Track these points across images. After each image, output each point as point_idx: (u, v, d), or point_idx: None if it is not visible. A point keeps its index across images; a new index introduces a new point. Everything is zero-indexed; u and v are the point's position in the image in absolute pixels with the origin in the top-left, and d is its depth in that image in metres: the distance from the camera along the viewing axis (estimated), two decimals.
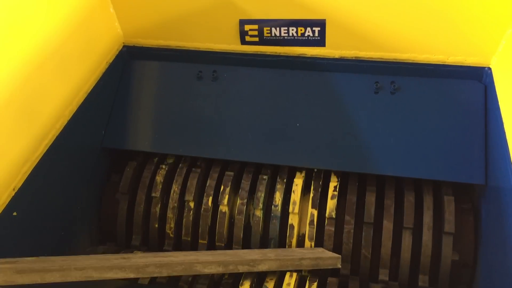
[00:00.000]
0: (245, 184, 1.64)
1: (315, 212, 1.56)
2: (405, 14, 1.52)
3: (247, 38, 1.70)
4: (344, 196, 1.58)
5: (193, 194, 1.64)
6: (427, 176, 1.52)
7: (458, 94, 1.58)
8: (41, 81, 1.41)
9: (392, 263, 1.51)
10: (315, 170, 1.63)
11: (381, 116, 1.60)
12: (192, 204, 1.65)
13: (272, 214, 1.59)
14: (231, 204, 1.65)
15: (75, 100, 1.58)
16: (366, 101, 1.62)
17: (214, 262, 1.29)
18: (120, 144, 1.74)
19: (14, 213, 1.31)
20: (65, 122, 1.52)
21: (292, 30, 1.65)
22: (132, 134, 1.74)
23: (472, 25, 1.49)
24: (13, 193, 1.31)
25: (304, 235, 1.58)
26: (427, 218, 1.50)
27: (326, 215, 1.54)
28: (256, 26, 1.67)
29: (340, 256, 1.42)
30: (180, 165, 1.72)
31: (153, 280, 1.42)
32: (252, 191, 1.64)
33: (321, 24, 1.61)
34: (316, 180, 1.61)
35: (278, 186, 1.62)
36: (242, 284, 1.37)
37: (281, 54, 1.72)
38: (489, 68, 1.56)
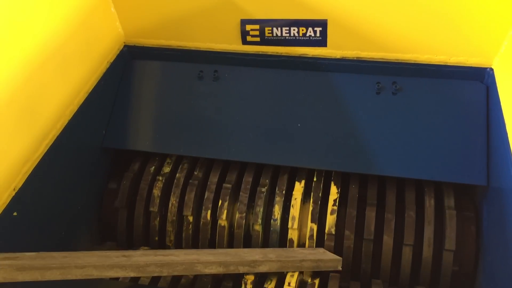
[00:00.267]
0: (244, 197, 1.61)
1: (315, 227, 1.54)
2: (407, 15, 1.52)
3: (249, 38, 1.70)
4: (344, 206, 1.56)
5: (191, 209, 1.63)
6: (429, 177, 1.52)
7: (460, 95, 1.57)
8: (42, 80, 1.40)
9: (391, 275, 1.50)
10: (315, 179, 1.60)
11: (383, 117, 1.59)
12: (191, 218, 1.64)
13: (272, 229, 1.58)
14: (230, 216, 1.63)
15: (76, 99, 1.57)
16: (368, 101, 1.62)
17: (215, 262, 1.29)
18: (121, 144, 1.74)
19: (15, 213, 1.31)
20: (66, 122, 1.52)
21: (294, 30, 1.64)
22: (133, 134, 1.73)
23: (474, 26, 1.49)
24: (13, 193, 1.31)
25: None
26: (428, 233, 1.48)
27: (326, 231, 1.52)
28: (257, 26, 1.66)
29: (341, 258, 1.42)
30: (177, 175, 1.69)
31: (153, 280, 1.42)
32: (252, 199, 1.62)
33: (323, 24, 1.61)
34: (316, 191, 1.58)
35: (277, 198, 1.59)
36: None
37: (282, 54, 1.72)
38: (491, 69, 1.55)
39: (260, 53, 1.73)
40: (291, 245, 1.55)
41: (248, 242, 1.60)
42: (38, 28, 1.37)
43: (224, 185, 1.63)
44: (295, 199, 1.56)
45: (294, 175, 1.65)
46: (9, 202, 1.29)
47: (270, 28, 1.66)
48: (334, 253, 1.50)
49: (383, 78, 1.63)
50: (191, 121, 1.70)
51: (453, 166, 1.49)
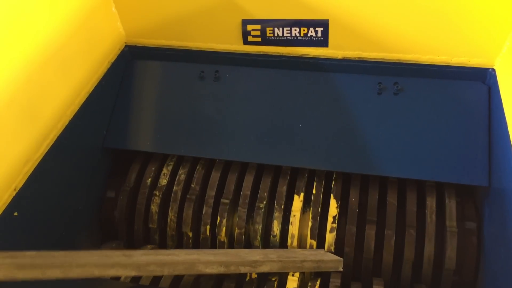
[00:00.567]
0: (242, 212, 1.59)
1: (314, 244, 1.53)
2: (409, 15, 1.52)
3: (250, 38, 1.69)
4: (344, 216, 1.54)
5: (190, 226, 1.62)
6: (430, 177, 1.51)
7: (461, 95, 1.57)
8: (43, 81, 1.40)
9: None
10: (314, 192, 1.58)
11: (384, 117, 1.59)
12: (190, 234, 1.64)
13: (271, 244, 1.57)
14: (229, 232, 1.62)
15: (77, 100, 1.57)
16: (369, 101, 1.61)
17: (216, 262, 1.29)
18: (121, 144, 1.74)
19: (15, 213, 1.31)
20: (67, 122, 1.52)
21: (295, 30, 1.64)
22: (134, 134, 1.73)
23: (476, 26, 1.48)
24: (14, 193, 1.31)
25: None
26: (428, 250, 1.47)
27: (325, 248, 1.51)
28: (258, 26, 1.66)
29: (342, 259, 1.41)
30: (174, 188, 1.67)
31: (154, 281, 1.41)
32: (251, 210, 1.61)
33: (324, 24, 1.60)
34: (315, 205, 1.56)
35: (276, 214, 1.57)
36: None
37: (283, 54, 1.71)
38: (493, 69, 1.55)
39: (261, 53, 1.73)
40: None
41: None
42: (39, 28, 1.37)
43: (222, 200, 1.61)
44: (294, 216, 1.55)
45: (293, 185, 1.62)
46: (10, 202, 1.29)
47: (272, 28, 1.66)
48: None
49: (385, 78, 1.63)
50: (192, 121, 1.70)
51: (454, 167, 1.49)
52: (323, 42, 1.64)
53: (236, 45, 1.73)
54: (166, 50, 1.80)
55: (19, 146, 1.33)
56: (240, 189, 1.63)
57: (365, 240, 1.50)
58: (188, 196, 1.64)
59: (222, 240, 1.60)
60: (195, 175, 1.68)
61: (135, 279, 1.40)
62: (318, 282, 1.40)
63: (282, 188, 1.61)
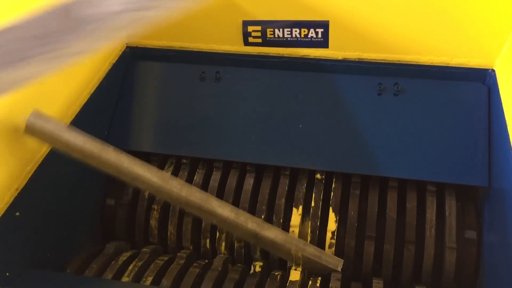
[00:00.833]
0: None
1: None
2: (409, 16, 1.52)
3: (250, 39, 1.70)
4: (343, 228, 1.53)
5: (189, 240, 1.62)
6: (430, 178, 1.51)
7: (461, 96, 1.57)
8: (44, 82, 1.40)
9: None
10: (312, 204, 1.56)
11: (384, 118, 1.59)
12: (190, 247, 1.64)
13: (271, 258, 1.56)
14: (229, 246, 1.62)
15: (78, 100, 1.58)
16: (369, 102, 1.62)
17: (227, 206, 1.35)
18: (123, 145, 1.72)
19: (17, 213, 1.31)
20: (68, 123, 1.52)
21: (295, 31, 1.65)
22: (135, 135, 1.74)
23: (476, 27, 1.49)
24: (16, 194, 1.31)
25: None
26: (427, 266, 1.46)
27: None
28: (259, 27, 1.67)
29: (342, 260, 1.41)
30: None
31: (155, 281, 1.42)
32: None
33: (325, 25, 1.61)
34: (313, 219, 1.54)
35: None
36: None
37: (284, 55, 1.72)
38: (493, 70, 1.55)
39: (262, 54, 1.73)
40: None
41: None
42: None
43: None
44: (293, 231, 1.54)
45: (292, 196, 1.60)
46: (12, 202, 1.30)
47: (272, 30, 1.66)
48: None
49: (385, 79, 1.63)
50: (193, 122, 1.70)
51: (454, 167, 1.49)
52: (324, 43, 1.65)
53: (237, 46, 1.74)
54: (167, 51, 1.80)
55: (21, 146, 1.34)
56: (239, 202, 1.61)
57: (364, 256, 1.49)
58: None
59: (222, 253, 1.60)
60: (193, 184, 1.66)
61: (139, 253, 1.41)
62: (318, 280, 1.40)
63: (281, 201, 1.59)
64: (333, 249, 1.51)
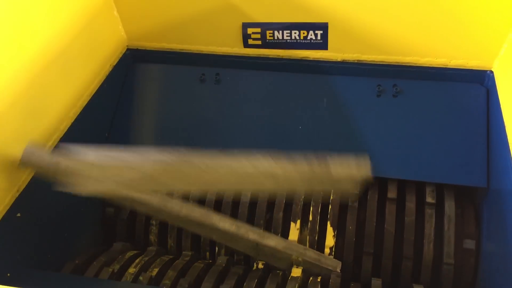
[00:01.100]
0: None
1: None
2: (407, 18, 1.53)
3: (250, 41, 1.71)
4: (342, 240, 1.52)
5: (189, 252, 1.60)
6: (429, 179, 1.52)
7: (460, 97, 1.58)
8: (46, 83, 1.42)
9: None
10: (310, 218, 1.54)
11: (383, 119, 1.60)
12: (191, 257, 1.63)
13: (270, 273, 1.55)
14: (229, 257, 1.59)
15: (79, 102, 1.59)
16: (368, 104, 1.63)
17: (228, 220, 1.37)
18: (123, 146, 1.75)
19: (18, 214, 1.32)
20: (69, 124, 1.53)
21: (295, 33, 1.66)
22: (135, 137, 1.74)
23: (474, 28, 1.50)
24: (17, 195, 1.32)
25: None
26: (425, 280, 1.46)
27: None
28: (258, 29, 1.68)
29: (340, 262, 1.42)
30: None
31: (155, 281, 1.42)
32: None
33: (324, 27, 1.62)
34: (311, 234, 1.53)
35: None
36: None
37: (283, 57, 1.73)
38: (491, 72, 1.56)
39: (262, 56, 1.74)
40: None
41: None
42: (41, 31, 1.38)
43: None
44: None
45: (290, 209, 1.58)
46: (13, 203, 1.31)
47: (272, 31, 1.67)
48: None
49: (384, 81, 1.64)
50: (193, 124, 1.71)
51: (453, 168, 1.50)
52: (323, 45, 1.66)
53: (237, 48, 1.75)
54: (167, 53, 1.81)
55: (22, 148, 1.34)
56: (237, 215, 1.59)
57: (362, 271, 1.49)
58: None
59: (222, 264, 1.58)
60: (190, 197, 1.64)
61: (135, 278, 1.41)
62: (319, 277, 1.41)
63: (278, 215, 1.57)
64: None
